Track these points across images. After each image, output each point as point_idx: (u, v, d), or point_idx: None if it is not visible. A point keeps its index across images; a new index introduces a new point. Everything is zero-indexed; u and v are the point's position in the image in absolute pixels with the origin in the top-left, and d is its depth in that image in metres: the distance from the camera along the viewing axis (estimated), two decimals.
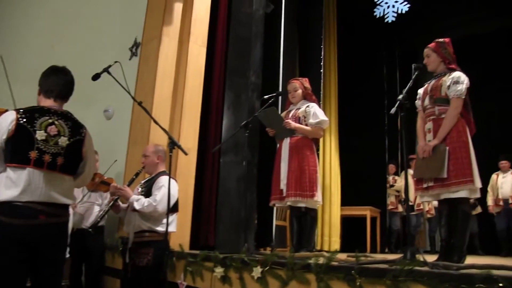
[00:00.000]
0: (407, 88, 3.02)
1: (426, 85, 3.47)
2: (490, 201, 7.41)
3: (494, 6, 7.48)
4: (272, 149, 4.33)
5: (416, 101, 3.54)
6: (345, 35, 7.55)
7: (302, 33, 6.83)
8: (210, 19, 5.17)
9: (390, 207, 7.75)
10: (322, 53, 6.74)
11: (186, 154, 3.10)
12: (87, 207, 4.29)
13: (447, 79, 3.27)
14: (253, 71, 5.13)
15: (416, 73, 3.14)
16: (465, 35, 7.97)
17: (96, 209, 4.30)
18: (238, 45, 5.27)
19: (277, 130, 4.12)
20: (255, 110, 4.27)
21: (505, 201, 7.21)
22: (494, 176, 7.46)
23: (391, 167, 7.75)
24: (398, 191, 7.85)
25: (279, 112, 5.04)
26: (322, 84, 6.63)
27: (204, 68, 4.96)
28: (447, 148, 3.11)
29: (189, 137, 4.64)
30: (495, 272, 1.92)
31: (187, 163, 4.51)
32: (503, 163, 7.39)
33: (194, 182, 4.56)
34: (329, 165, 6.77)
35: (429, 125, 3.31)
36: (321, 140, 6.50)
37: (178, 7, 4.82)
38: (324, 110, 6.60)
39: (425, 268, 2.12)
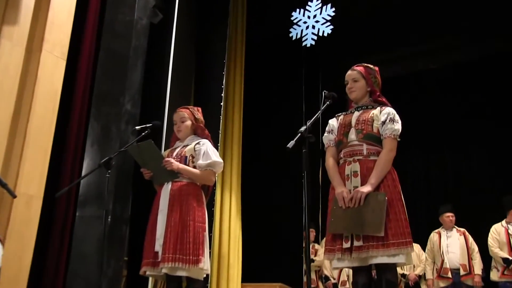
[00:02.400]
0: (313, 119, 3.15)
1: (342, 116, 3.61)
2: (429, 272, 7.16)
3: (431, 42, 8.09)
4: (152, 198, 4.20)
5: (326, 135, 3.67)
6: (254, 59, 7.74)
7: (200, 54, 6.92)
8: (75, 24, 5.06)
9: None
10: (224, 80, 6.83)
11: (14, 196, 2.91)
12: None
13: (380, 114, 3.42)
14: (129, 97, 5.16)
15: (327, 102, 3.31)
16: (398, 72, 8.56)
17: None
18: (111, 62, 5.31)
19: (154, 172, 4.02)
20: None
21: (454, 271, 6.88)
22: (434, 236, 7.26)
23: (311, 232, 7.82)
24: (319, 267, 7.90)
25: (162, 149, 4.99)
26: (222, 118, 6.68)
27: (61, 88, 4.77)
28: (386, 198, 3.18)
29: (33, 181, 4.37)
30: None
31: (27, 217, 4.23)
32: (449, 216, 7.19)
33: (35, 244, 4.26)
34: (227, 228, 6.70)
35: (355, 166, 3.38)
36: (218, 195, 6.66)
37: (28, 3, 4.61)
38: (223, 153, 6.67)
39: None
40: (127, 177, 4.76)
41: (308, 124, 3.05)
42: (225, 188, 6.84)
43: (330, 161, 3.56)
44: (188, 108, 4.32)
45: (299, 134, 2.97)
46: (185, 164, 3.99)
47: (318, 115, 3.22)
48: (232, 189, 6.95)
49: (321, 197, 7.78)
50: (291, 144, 2.89)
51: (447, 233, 7.19)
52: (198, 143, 4.09)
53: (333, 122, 3.66)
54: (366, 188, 3.22)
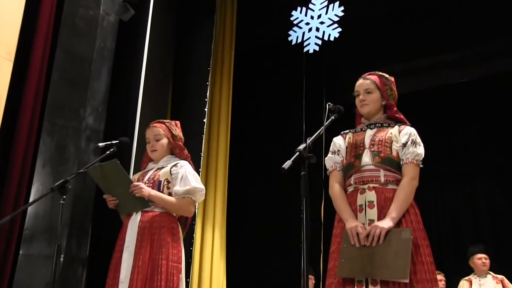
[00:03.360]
0: (315, 136, 3.11)
1: (351, 135, 3.60)
2: None
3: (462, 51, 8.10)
4: (116, 233, 4.20)
5: (330, 156, 3.64)
6: (245, 67, 7.82)
7: (180, 59, 6.93)
8: (25, 19, 5.06)
9: None
10: (209, 91, 6.84)
11: None
12: None
13: (400, 135, 3.42)
14: (92, 108, 5.24)
15: (332, 117, 3.29)
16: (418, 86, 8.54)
17: None
18: (70, 66, 5.41)
19: (120, 199, 3.98)
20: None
21: None
22: (464, 284, 7.17)
23: (310, 279, 7.71)
24: None
25: (131, 173, 4.91)
26: (205, 137, 6.67)
27: (6, 96, 4.76)
28: (412, 237, 3.14)
29: None
30: None
31: None
32: (481, 258, 7.03)
33: None
34: (209, 271, 6.65)
35: (370, 196, 3.34)
36: (198, 231, 6.74)
37: None
38: (205, 179, 6.66)
39: None
40: (86, 205, 4.74)
41: (308, 142, 2.99)
42: (207, 222, 6.80)
43: (336, 188, 3.53)
44: (163, 123, 4.30)
45: (297, 153, 2.90)
46: (159, 190, 3.97)
47: (321, 131, 3.19)
48: (216, 224, 6.91)
49: (323, 235, 7.67)
50: (287, 164, 2.82)
51: (479, 280, 7.05)
52: (175, 165, 4.08)
53: (339, 141, 3.64)
54: (387, 224, 3.18)
